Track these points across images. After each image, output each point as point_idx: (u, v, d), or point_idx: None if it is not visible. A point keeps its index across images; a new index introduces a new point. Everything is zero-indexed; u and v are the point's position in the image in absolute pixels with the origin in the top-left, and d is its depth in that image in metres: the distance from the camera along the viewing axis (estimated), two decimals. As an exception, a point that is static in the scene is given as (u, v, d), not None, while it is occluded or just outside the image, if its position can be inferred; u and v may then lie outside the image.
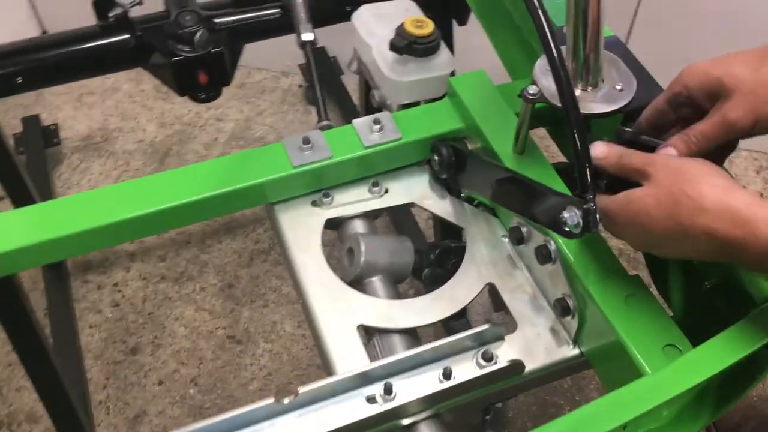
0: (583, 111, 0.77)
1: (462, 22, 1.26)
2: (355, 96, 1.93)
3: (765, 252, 0.56)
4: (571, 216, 0.64)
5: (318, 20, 1.08)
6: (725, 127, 0.67)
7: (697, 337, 0.70)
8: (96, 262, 1.83)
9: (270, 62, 2.24)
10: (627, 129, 0.76)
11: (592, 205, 0.63)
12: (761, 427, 1.50)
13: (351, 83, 2.00)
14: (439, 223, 0.89)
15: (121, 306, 1.76)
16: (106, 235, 0.80)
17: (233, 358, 1.68)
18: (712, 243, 0.60)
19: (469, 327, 0.75)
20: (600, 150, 0.70)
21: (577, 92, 0.78)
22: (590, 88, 0.78)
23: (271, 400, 0.68)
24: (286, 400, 0.69)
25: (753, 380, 0.78)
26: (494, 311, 0.88)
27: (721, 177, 0.61)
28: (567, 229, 0.64)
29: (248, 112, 2.16)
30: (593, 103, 0.77)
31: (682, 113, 0.73)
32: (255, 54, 2.19)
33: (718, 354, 0.61)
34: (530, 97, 0.75)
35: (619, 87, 0.79)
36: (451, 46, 1.29)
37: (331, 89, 2.06)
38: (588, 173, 0.64)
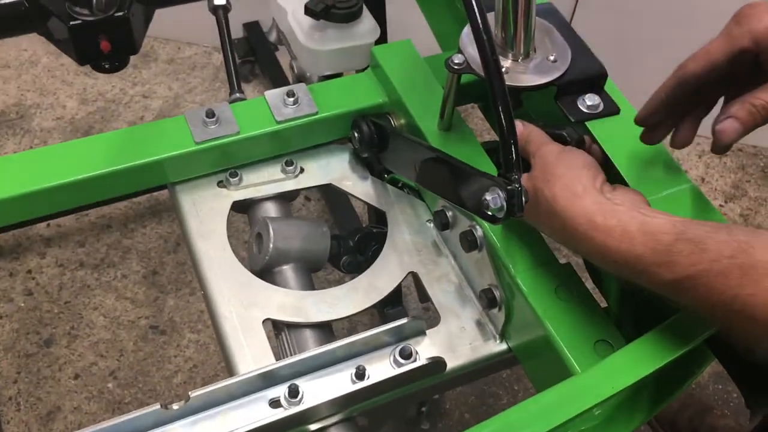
0: (513, 83, 0.70)
1: (394, -8, 1.18)
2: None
3: (611, 262, 0.55)
4: (494, 198, 0.57)
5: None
6: None
7: (632, 329, 0.65)
8: (7, 248, 1.71)
9: (201, 37, 2.13)
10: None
11: (517, 186, 0.56)
12: (698, 416, 1.48)
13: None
14: (372, 208, 0.81)
15: (35, 294, 1.64)
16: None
17: (156, 350, 1.58)
18: (568, 245, 0.59)
19: (407, 315, 0.67)
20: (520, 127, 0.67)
21: (507, 63, 0.71)
22: (521, 58, 0.71)
23: (157, 406, 0.60)
24: (176, 406, 0.61)
25: (691, 375, 0.73)
26: (420, 302, 0.81)
27: (581, 181, 0.59)
28: (489, 212, 0.57)
29: (177, 89, 2.04)
30: (524, 74, 0.71)
31: (737, 70, 0.61)
32: (185, 28, 2.10)
33: (653, 352, 0.56)
34: (455, 67, 0.68)
35: (552, 58, 0.72)
36: (382, 19, 1.21)
37: (265, 66, 1.96)
38: (513, 151, 0.57)
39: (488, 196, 0.57)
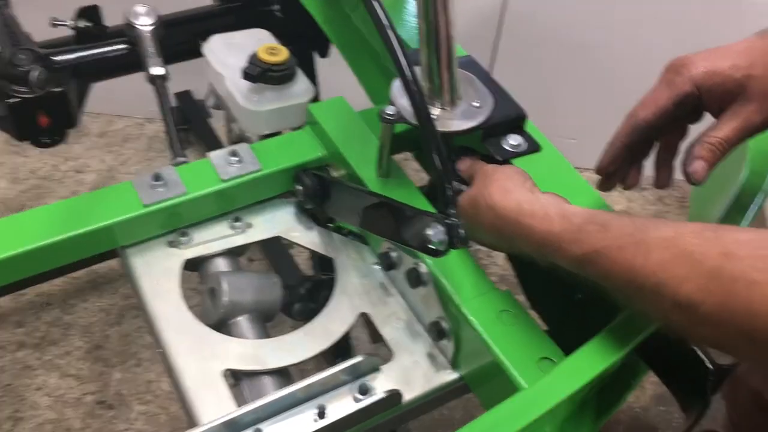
0: (443, 129, 0.76)
1: (323, 54, 1.25)
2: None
3: (534, 242, 0.62)
4: (436, 233, 0.62)
5: (170, 56, 1.03)
6: (747, 131, 0.67)
7: (572, 350, 0.69)
8: (-58, 334, 1.66)
9: (132, 109, 2.15)
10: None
11: (455, 221, 0.61)
12: (644, 437, 1.54)
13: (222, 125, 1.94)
14: (317, 257, 0.84)
15: (-27, 380, 1.59)
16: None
17: (105, 425, 1.55)
18: (500, 238, 0.66)
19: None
20: (462, 163, 0.77)
21: (437, 111, 0.77)
22: (448, 106, 0.77)
23: (125, 463, 0.61)
24: (144, 461, 0.62)
25: (629, 387, 0.78)
26: (372, 342, 0.85)
27: (513, 182, 0.67)
28: (432, 246, 0.62)
29: (111, 161, 2.04)
30: (453, 120, 0.77)
31: (681, 113, 0.70)
32: (115, 101, 2.12)
33: (591, 361, 0.60)
34: (388, 117, 0.74)
35: (476, 104, 0.78)
36: (313, 79, 1.27)
37: (199, 133, 1.99)
38: (449, 189, 0.62)
39: (430, 231, 0.62)
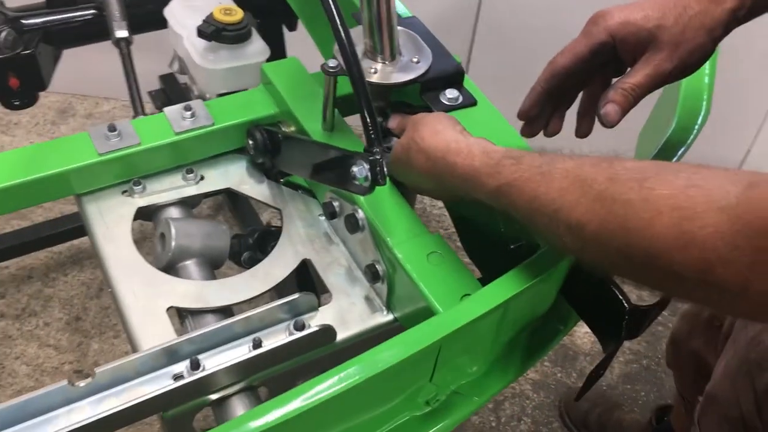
0: (382, 81, 0.80)
1: (291, 27, 1.29)
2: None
3: (459, 178, 0.66)
4: (360, 169, 0.65)
5: (138, 25, 1.06)
6: (659, 78, 0.71)
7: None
8: (-75, 303, 1.70)
9: (119, 92, 2.17)
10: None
11: (378, 157, 0.65)
12: (607, 412, 1.57)
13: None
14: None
15: (-46, 348, 1.63)
16: None
17: (81, 393, 1.58)
18: (431, 178, 0.70)
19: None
20: (392, 121, 0.81)
21: (377, 65, 0.81)
22: (388, 61, 0.81)
23: (64, 383, 0.65)
24: (82, 383, 0.66)
25: (557, 332, 0.82)
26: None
27: (443, 125, 0.71)
28: (357, 182, 0.65)
29: (96, 141, 2.08)
30: (392, 74, 0.80)
31: (598, 61, 0.74)
32: (103, 84, 2.16)
33: (500, 291, 0.64)
34: (330, 69, 0.77)
35: (415, 59, 0.82)
36: (282, 51, 1.31)
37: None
38: (373, 128, 0.66)
39: (355, 168, 0.66)
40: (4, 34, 0.98)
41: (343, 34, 0.69)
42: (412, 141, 0.71)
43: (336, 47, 0.81)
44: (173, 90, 2.02)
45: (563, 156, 0.60)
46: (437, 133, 0.69)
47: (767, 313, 0.47)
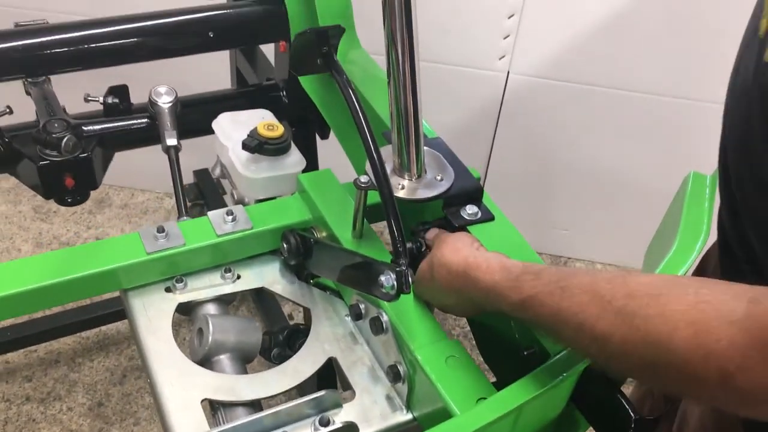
0: (408, 196, 0.88)
1: (324, 136, 1.39)
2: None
3: (480, 291, 0.72)
4: (387, 278, 0.72)
5: (185, 132, 1.16)
6: None
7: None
8: (-46, 384, 1.75)
9: (154, 184, 2.31)
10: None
11: (404, 268, 0.72)
12: None
13: (231, 202, 2.08)
14: (306, 310, 0.95)
15: (-21, 430, 1.67)
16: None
17: (99, 480, 1.61)
18: (453, 292, 0.76)
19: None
20: (430, 232, 0.89)
21: (405, 182, 0.89)
22: (414, 178, 0.89)
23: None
24: (123, 468, 0.71)
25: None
26: (342, 390, 0.93)
27: (462, 242, 0.78)
28: (384, 290, 0.72)
29: (130, 231, 2.18)
30: (417, 190, 0.88)
31: None
32: (139, 176, 2.28)
33: (516, 395, 0.69)
34: (362, 185, 0.85)
35: (439, 177, 0.90)
36: (315, 160, 1.41)
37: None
38: (400, 242, 0.73)
39: (382, 278, 0.73)
40: (65, 139, 1.08)
41: (375, 156, 0.77)
42: (435, 257, 0.79)
43: (369, 164, 0.90)
44: (207, 185, 2.14)
45: (578, 271, 0.66)
46: (457, 250, 0.76)
47: None
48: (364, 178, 0.85)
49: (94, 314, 1.79)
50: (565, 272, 0.66)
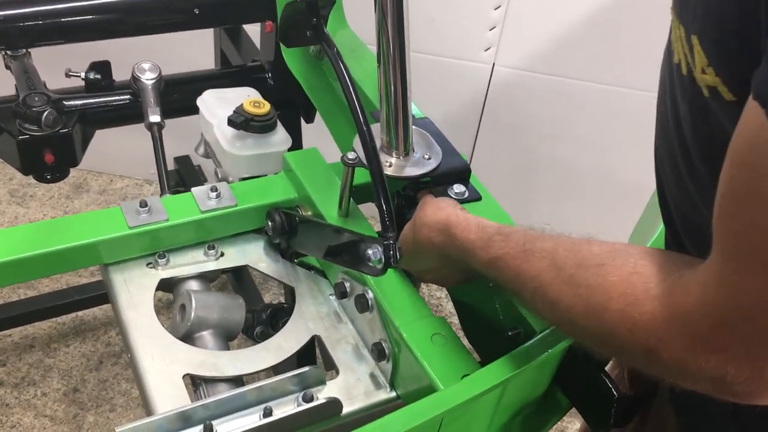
0: (396, 174, 0.87)
1: (309, 120, 1.38)
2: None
3: (457, 248, 0.72)
4: (374, 252, 0.71)
5: (168, 112, 1.15)
6: None
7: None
8: (-74, 367, 1.71)
9: (133, 170, 2.28)
10: None
11: (392, 242, 0.71)
12: None
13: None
14: (289, 290, 0.94)
15: (-50, 414, 1.64)
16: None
17: (73, 466, 1.59)
18: (434, 252, 0.76)
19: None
20: (421, 193, 0.90)
21: (392, 159, 0.89)
22: (402, 156, 0.88)
23: (85, 440, 0.68)
24: (102, 441, 0.69)
25: (549, 419, 0.86)
26: (325, 369, 0.92)
27: (446, 203, 0.80)
28: (371, 264, 0.71)
29: (108, 217, 2.15)
30: (405, 168, 0.88)
31: None
32: (118, 162, 2.25)
33: (500, 371, 0.69)
34: (349, 161, 0.84)
35: (427, 156, 0.90)
36: (299, 143, 1.40)
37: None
38: (388, 216, 0.72)
39: (369, 252, 0.72)
40: (46, 113, 1.06)
41: (364, 128, 0.76)
42: (417, 218, 0.79)
43: (356, 141, 0.89)
44: (187, 171, 2.11)
45: (543, 235, 0.66)
46: (440, 209, 0.77)
47: (709, 389, 0.52)
48: (351, 155, 0.85)
49: (70, 299, 1.77)
50: (533, 236, 0.66)
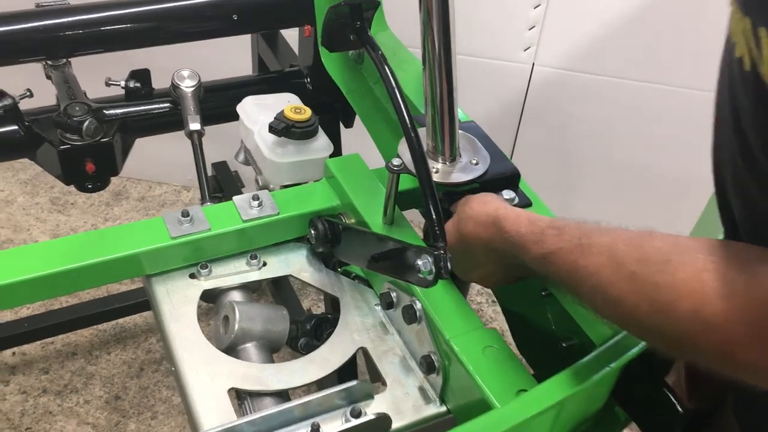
0: (443, 180, 0.84)
1: (348, 125, 1.36)
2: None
3: (507, 242, 0.70)
4: (425, 263, 0.69)
5: (206, 119, 1.14)
6: None
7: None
8: (-29, 376, 1.73)
9: (171, 177, 2.29)
10: None
11: (442, 252, 0.68)
12: None
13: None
14: (329, 299, 0.92)
15: (-4, 421, 1.65)
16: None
17: (116, 474, 1.59)
18: (480, 246, 0.74)
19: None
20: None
21: (438, 165, 0.86)
22: (449, 162, 0.86)
23: (131, 458, 0.67)
24: (148, 458, 0.68)
25: (608, 434, 0.82)
26: (371, 381, 0.90)
27: (491, 197, 0.79)
28: (421, 275, 0.69)
29: (147, 224, 2.16)
30: (452, 174, 0.85)
31: None
32: (157, 169, 2.26)
33: (559, 387, 0.66)
34: (394, 168, 0.82)
35: (474, 161, 0.87)
36: (339, 148, 1.38)
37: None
38: (438, 225, 0.70)
39: (419, 262, 0.69)
40: (87, 122, 1.05)
41: (412, 132, 0.74)
42: (461, 213, 0.77)
43: (401, 147, 0.87)
44: (225, 178, 2.11)
45: (600, 229, 0.63)
46: (486, 202, 0.75)
47: None
48: (396, 161, 0.82)
49: (111, 306, 1.77)
50: (588, 229, 0.63)
